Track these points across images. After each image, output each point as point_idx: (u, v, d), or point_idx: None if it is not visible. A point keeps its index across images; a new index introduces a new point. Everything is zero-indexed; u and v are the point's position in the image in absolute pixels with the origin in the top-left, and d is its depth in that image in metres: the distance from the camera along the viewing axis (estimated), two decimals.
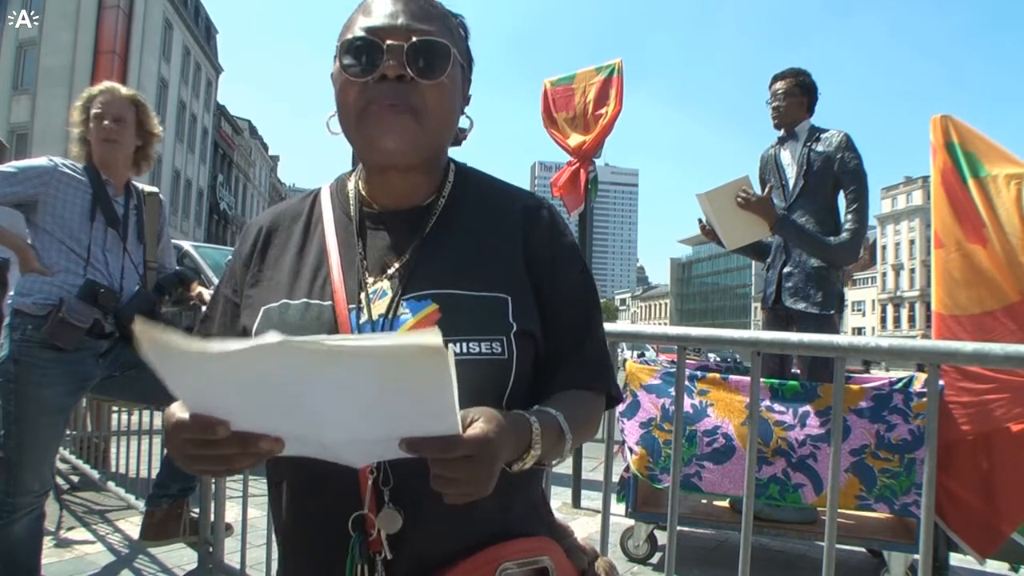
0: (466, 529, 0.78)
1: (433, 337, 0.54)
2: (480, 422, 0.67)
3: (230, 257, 0.98)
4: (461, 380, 0.64)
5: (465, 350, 0.78)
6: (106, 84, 2.40)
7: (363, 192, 0.91)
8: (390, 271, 0.85)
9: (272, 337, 0.55)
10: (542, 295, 0.87)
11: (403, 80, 0.80)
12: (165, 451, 2.58)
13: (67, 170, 2.26)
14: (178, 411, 0.67)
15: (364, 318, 0.81)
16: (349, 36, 0.82)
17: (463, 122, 0.92)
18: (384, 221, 0.89)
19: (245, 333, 0.87)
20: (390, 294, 0.82)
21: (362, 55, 0.81)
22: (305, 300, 0.84)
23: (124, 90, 2.37)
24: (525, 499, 0.87)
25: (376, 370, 0.58)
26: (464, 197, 0.91)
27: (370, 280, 0.84)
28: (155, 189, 2.60)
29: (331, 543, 0.78)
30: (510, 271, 0.86)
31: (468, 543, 0.78)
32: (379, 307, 0.82)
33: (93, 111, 2.31)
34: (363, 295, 0.83)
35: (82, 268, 2.23)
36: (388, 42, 0.80)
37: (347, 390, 0.60)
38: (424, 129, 0.82)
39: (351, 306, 0.82)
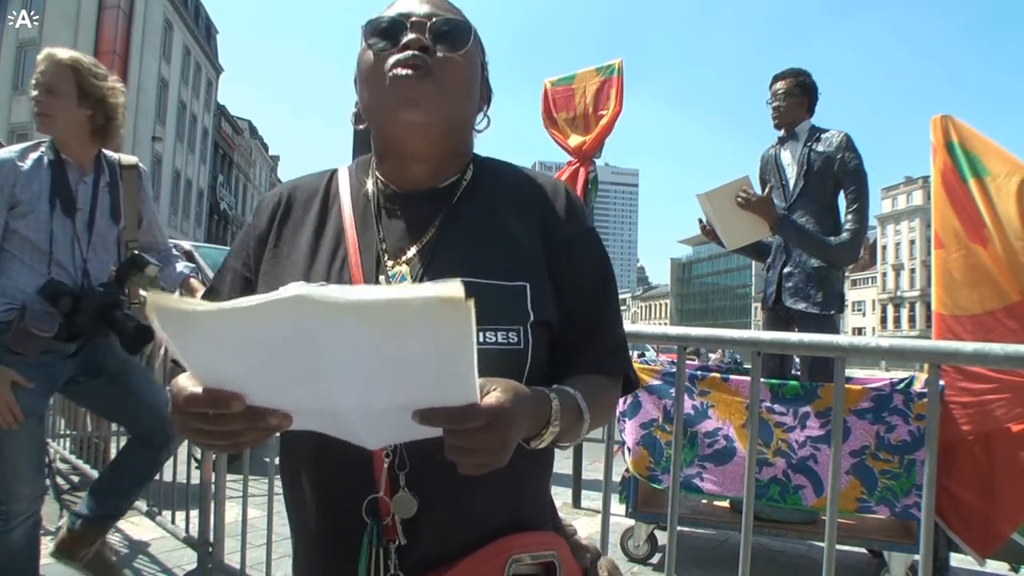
0: (477, 519, 0.79)
1: (455, 288, 0.53)
2: (497, 391, 0.66)
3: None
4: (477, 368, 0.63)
5: (481, 340, 0.78)
6: (46, 51, 2.12)
7: (380, 175, 0.91)
8: (408, 255, 0.85)
9: (289, 290, 0.54)
10: (559, 278, 0.87)
11: (425, 51, 0.83)
12: (110, 458, 2.41)
13: (21, 162, 2.06)
14: (188, 384, 0.65)
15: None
16: (374, 18, 0.86)
17: (480, 122, 0.94)
18: (402, 202, 0.89)
19: None
20: (408, 280, 0.83)
21: (386, 33, 0.84)
22: (323, 282, 0.84)
23: (63, 55, 2.10)
24: (534, 497, 0.87)
25: (395, 324, 0.56)
26: (483, 181, 0.91)
27: (389, 264, 0.84)
28: (133, 160, 2.34)
29: (344, 528, 0.79)
30: (529, 257, 0.86)
31: (479, 534, 0.78)
32: None
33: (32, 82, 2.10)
34: (382, 278, 0.83)
35: (45, 265, 2.05)
36: (412, 20, 0.84)
37: (364, 348, 0.58)
38: (444, 101, 0.84)
39: None
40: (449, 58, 0.84)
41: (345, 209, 0.89)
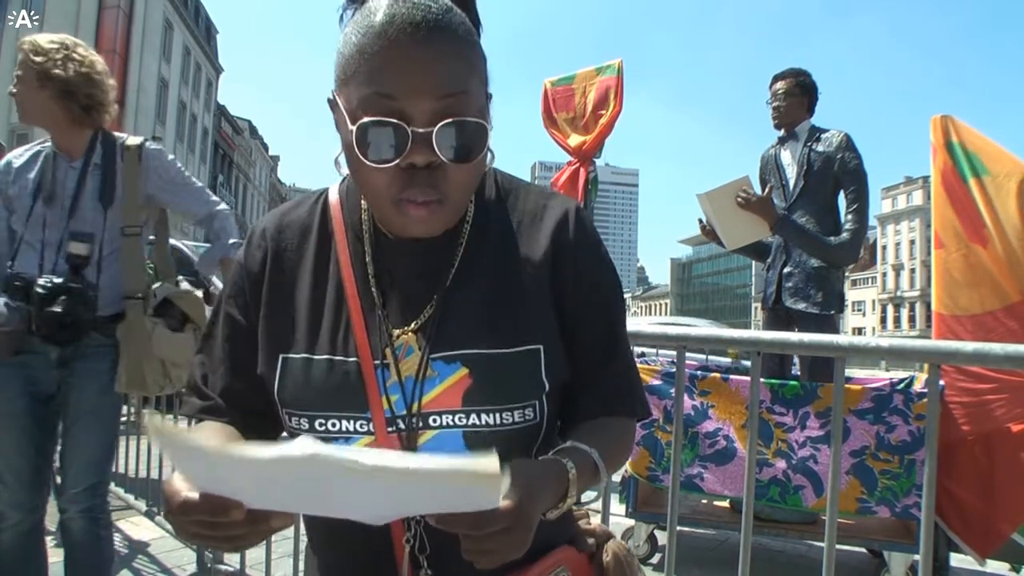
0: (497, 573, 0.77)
1: (490, 464, 0.52)
2: (516, 490, 0.62)
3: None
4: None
5: (499, 421, 0.76)
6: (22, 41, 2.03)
7: (375, 218, 0.83)
8: (415, 323, 0.79)
9: (302, 448, 0.52)
10: (566, 312, 0.83)
11: (432, 166, 0.71)
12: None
13: (16, 160, 2.05)
14: (183, 488, 0.62)
15: (391, 378, 0.77)
16: (365, 118, 0.69)
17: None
18: (402, 255, 0.82)
19: (262, 381, 0.82)
20: (416, 351, 0.78)
21: (383, 139, 0.70)
22: (328, 357, 0.79)
23: (24, 40, 2.00)
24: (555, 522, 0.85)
25: (420, 488, 0.55)
26: (487, 220, 0.84)
27: (395, 332, 0.79)
28: (137, 140, 2.13)
29: None
30: (541, 312, 0.81)
31: None
32: (406, 366, 0.77)
33: None
34: (388, 350, 0.78)
35: (11, 257, 1.97)
36: (414, 128, 0.69)
37: (382, 495, 0.57)
38: (455, 208, 0.76)
39: (376, 362, 0.77)
40: (461, 169, 0.72)
41: (343, 261, 0.82)
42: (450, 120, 0.70)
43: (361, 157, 0.71)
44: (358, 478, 0.54)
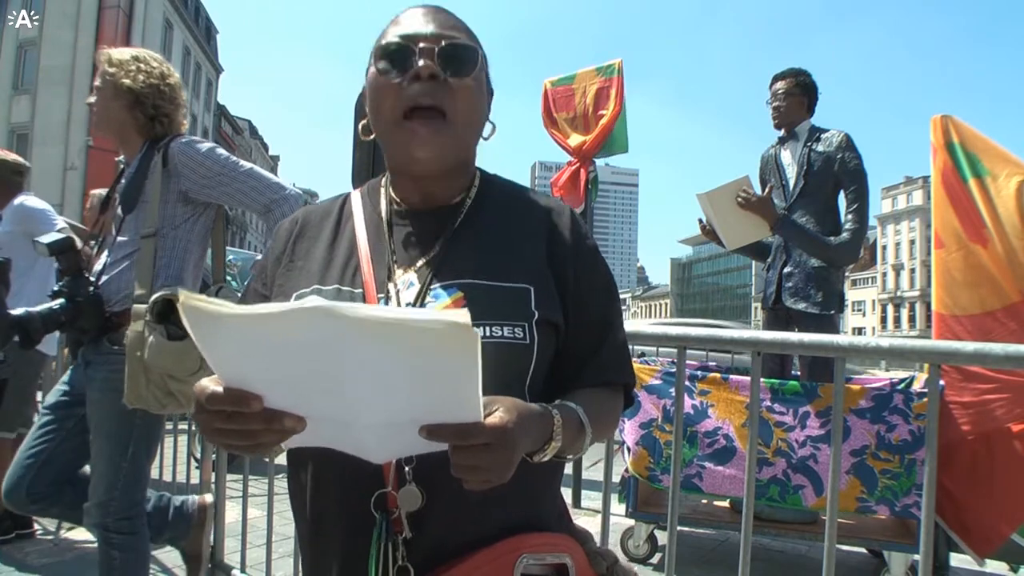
0: (486, 515, 0.80)
1: (463, 316, 0.57)
2: (500, 411, 0.69)
3: (259, 257, 0.99)
4: (485, 362, 0.66)
5: (488, 333, 0.81)
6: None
7: (393, 193, 0.95)
8: (418, 264, 0.88)
9: (310, 301, 0.57)
10: (564, 294, 0.90)
11: (435, 80, 0.84)
12: None
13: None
14: (211, 384, 0.68)
15: (392, 305, 0.85)
16: (383, 42, 0.87)
17: (486, 129, 0.95)
18: (412, 218, 0.92)
19: None
20: (417, 285, 0.86)
21: (396, 58, 0.85)
22: (337, 286, 0.87)
23: (103, 53, 2.05)
24: (548, 498, 0.89)
25: (406, 343, 0.60)
26: (489, 198, 0.95)
27: (399, 272, 0.87)
28: (167, 140, 2.03)
29: (353, 522, 0.80)
30: (533, 265, 0.89)
31: (489, 531, 0.79)
32: (407, 296, 0.85)
33: None
34: (391, 285, 0.86)
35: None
36: (420, 45, 0.85)
37: (376, 362, 0.61)
38: (454, 134, 0.87)
39: (380, 295, 0.85)
40: (459, 85, 0.86)
41: (358, 225, 0.93)
42: (449, 42, 0.86)
43: (379, 77, 0.86)
44: (355, 336, 0.59)
